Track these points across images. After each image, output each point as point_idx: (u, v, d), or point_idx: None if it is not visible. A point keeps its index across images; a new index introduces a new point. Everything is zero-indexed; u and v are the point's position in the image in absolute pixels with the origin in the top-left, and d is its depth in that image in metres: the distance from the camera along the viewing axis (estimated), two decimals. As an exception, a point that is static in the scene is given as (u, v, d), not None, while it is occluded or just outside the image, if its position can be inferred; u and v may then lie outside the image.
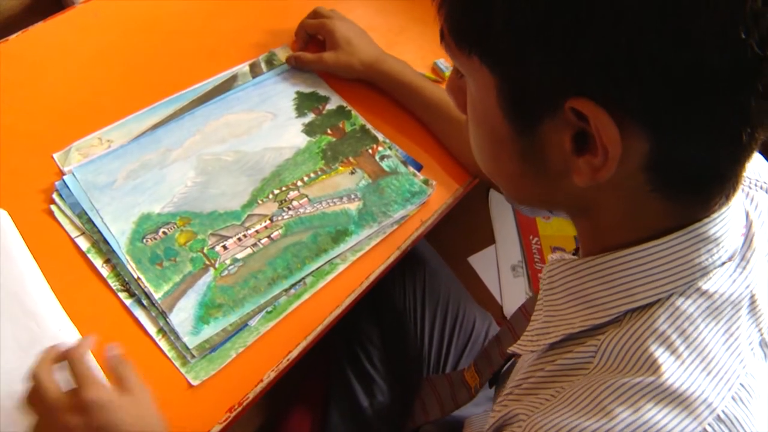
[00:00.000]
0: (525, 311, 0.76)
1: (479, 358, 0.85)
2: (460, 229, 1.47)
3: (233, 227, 0.88)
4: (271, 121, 0.99)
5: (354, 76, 1.04)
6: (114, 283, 0.81)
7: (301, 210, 0.90)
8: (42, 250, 0.83)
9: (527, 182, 0.52)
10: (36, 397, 0.66)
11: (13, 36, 1.02)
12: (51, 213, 0.85)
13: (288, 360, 0.79)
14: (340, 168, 0.96)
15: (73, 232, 0.84)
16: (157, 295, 0.80)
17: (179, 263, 0.84)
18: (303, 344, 0.81)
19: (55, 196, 0.86)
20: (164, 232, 0.86)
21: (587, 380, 0.48)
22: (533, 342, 0.58)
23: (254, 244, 0.87)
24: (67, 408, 0.64)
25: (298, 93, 1.03)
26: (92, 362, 0.72)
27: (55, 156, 0.90)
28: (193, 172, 0.92)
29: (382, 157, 0.97)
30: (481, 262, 1.57)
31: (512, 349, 0.61)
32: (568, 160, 0.46)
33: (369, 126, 1.01)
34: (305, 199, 0.92)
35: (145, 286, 0.81)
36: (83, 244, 0.84)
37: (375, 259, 0.89)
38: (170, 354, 0.78)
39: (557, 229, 1.64)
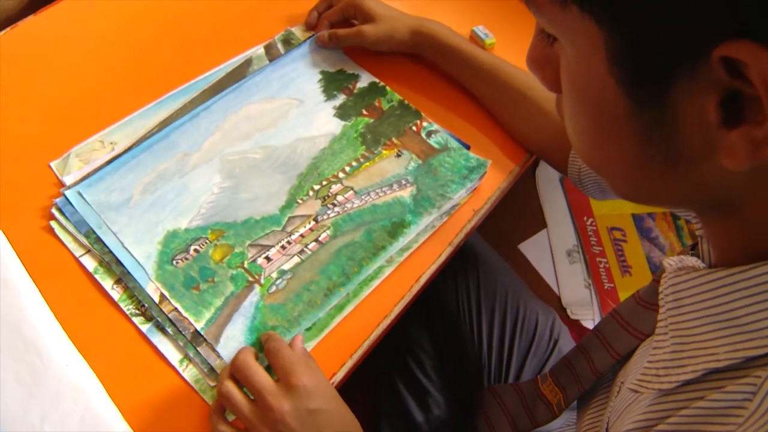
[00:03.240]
0: (620, 319, 0.63)
1: (559, 370, 0.73)
2: (507, 214, 1.34)
3: (274, 234, 0.76)
4: (297, 108, 0.87)
5: (396, 48, 0.92)
6: (127, 307, 0.71)
7: (348, 205, 0.79)
8: (42, 272, 0.72)
9: (649, 173, 0.39)
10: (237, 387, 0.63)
11: (1, 33, 0.91)
12: (51, 230, 0.75)
13: (333, 383, 0.68)
14: (384, 152, 0.84)
15: (77, 251, 0.74)
16: (198, 325, 0.69)
17: (218, 284, 0.72)
18: (349, 364, 0.70)
19: (54, 210, 0.75)
20: (196, 250, 0.75)
21: None
22: (660, 377, 0.45)
23: (301, 251, 0.75)
24: (277, 393, 0.61)
25: (322, 73, 0.91)
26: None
27: (53, 165, 0.80)
28: (219, 176, 0.81)
29: (429, 134, 0.85)
30: (533, 248, 1.45)
31: (632, 387, 0.48)
32: (712, 137, 0.33)
33: (407, 101, 0.88)
34: (351, 192, 0.80)
35: (184, 316, 0.70)
36: (89, 263, 0.73)
37: (424, 259, 0.77)
38: (197, 386, 0.67)
39: (612, 207, 1.51)
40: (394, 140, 0.85)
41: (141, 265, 0.72)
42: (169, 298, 0.71)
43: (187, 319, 0.70)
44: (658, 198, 0.42)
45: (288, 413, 0.59)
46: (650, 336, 0.59)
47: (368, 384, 0.98)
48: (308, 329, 0.70)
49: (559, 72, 0.41)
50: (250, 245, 0.75)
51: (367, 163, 0.82)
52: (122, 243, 0.74)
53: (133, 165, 0.80)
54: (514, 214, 1.45)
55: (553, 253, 1.45)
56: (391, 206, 0.78)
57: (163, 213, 0.77)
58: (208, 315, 0.70)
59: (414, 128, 0.86)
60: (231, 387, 0.62)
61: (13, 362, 0.66)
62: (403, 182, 0.81)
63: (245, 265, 0.74)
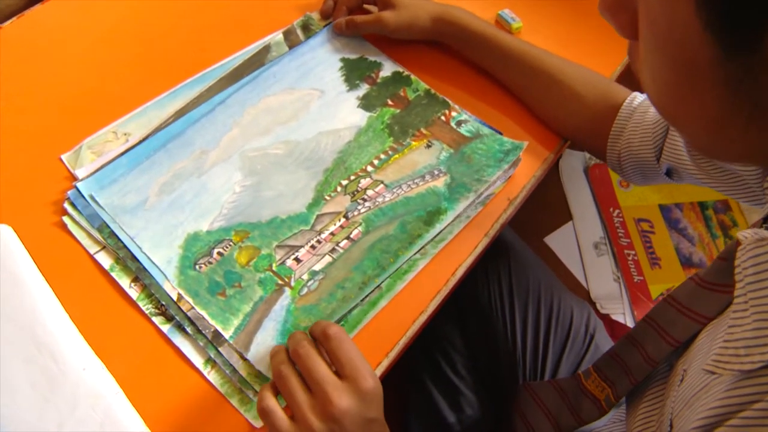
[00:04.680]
0: (677, 304, 0.58)
1: (605, 364, 0.68)
2: (531, 207, 1.31)
3: (303, 234, 0.72)
4: (319, 100, 0.83)
5: (417, 36, 0.87)
6: (146, 306, 0.66)
7: (380, 199, 0.74)
8: (55, 271, 0.68)
9: (733, 125, 0.36)
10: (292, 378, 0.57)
11: (7, 23, 0.87)
12: (63, 226, 0.70)
13: (368, 385, 0.63)
14: (414, 143, 0.79)
15: (92, 248, 0.69)
16: (227, 334, 0.64)
17: (246, 289, 0.68)
18: (385, 363, 0.65)
19: (66, 205, 0.71)
20: (220, 253, 0.70)
21: None
22: (740, 357, 0.41)
23: (332, 250, 0.70)
24: (341, 388, 0.55)
25: (343, 60, 0.87)
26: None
27: (64, 157, 0.75)
28: (240, 174, 0.76)
29: (459, 123, 0.81)
30: (559, 241, 1.41)
31: (708, 368, 0.44)
32: None
33: (434, 90, 0.84)
34: (381, 185, 0.75)
35: (211, 324, 0.65)
36: (105, 260, 0.69)
37: (460, 251, 0.72)
38: (224, 390, 0.62)
39: (639, 198, 1.47)
40: (423, 131, 0.80)
41: (161, 271, 0.68)
42: (194, 305, 0.66)
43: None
44: (738, 153, 0.39)
45: (347, 413, 0.54)
46: (714, 319, 0.56)
47: (396, 384, 0.93)
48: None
49: (635, 16, 0.38)
50: (278, 246, 0.71)
51: (397, 156, 0.78)
52: (140, 248, 0.69)
53: (148, 165, 0.75)
54: (538, 207, 1.41)
55: (579, 245, 1.40)
56: (425, 197, 0.74)
57: (182, 214, 0.72)
58: (236, 322, 0.65)
59: (443, 118, 0.81)
60: (289, 369, 0.57)
61: (26, 367, 0.62)
62: (436, 172, 0.76)
63: (273, 268, 0.69)
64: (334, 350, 0.57)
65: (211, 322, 0.65)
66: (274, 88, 0.83)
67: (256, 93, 0.82)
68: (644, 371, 0.62)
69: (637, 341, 0.64)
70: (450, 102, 0.83)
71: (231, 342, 0.64)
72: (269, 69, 0.84)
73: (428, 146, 0.79)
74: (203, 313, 0.65)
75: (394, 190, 0.75)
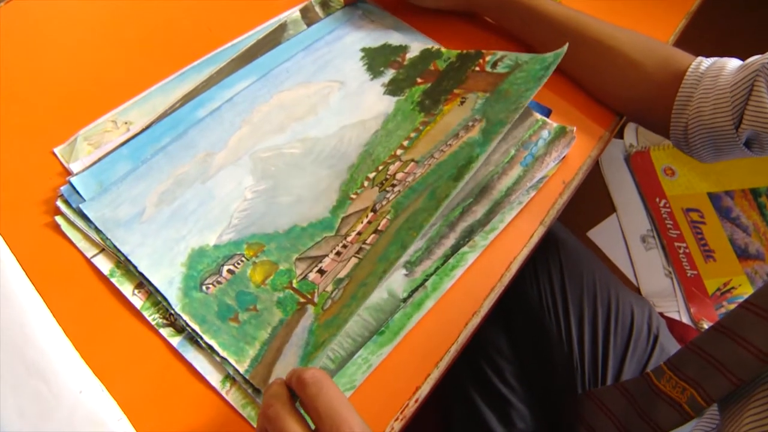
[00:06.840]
0: None
1: (685, 362, 0.59)
2: (571, 200, 1.22)
3: (327, 241, 0.62)
4: (339, 91, 0.73)
5: (448, 4, 0.79)
6: (152, 316, 0.57)
7: (410, 178, 0.64)
8: (47, 279, 0.59)
9: None
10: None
11: (-5, 8, 0.79)
12: (56, 227, 0.62)
13: (417, 400, 0.54)
14: (445, 107, 0.69)
15: (89, 251, 0.60)
16: (242, 367, 0.54)
17: (262, 312, 0.58)
18: (435, 374, 0.56)
19: (59, 203, 0.62)
20: (230, 271, 0.60)
21: None
22: None
23: (359, 250, 0.60)
24: None
25: (364, 50, 0.77)
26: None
27: (57, 150, 0.67)
28: (251, 178, 0.66)
29: (495, 64, 0.70)
30: (603, 235, 1.32)
31: None
32: None
33: (465, 50, 0.74)
34: (411, 164, 0.65)
35: (222, 356, 0.55)
36: (104, 265, 0.60)
37: (513, 242, 0.63)
38: (245, 412, 0.53)
39: (686, 187, 1.37)
40: (455, 91, 0.70)
41: (162, 294, 0.58)
42: (201, 333, 0.56)
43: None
44: None
45: None
46: None
47: (437, 397, 0.84)
48: (380, 333, 0.56)
49: None
50: (298, 259, 0.61)
51: (428, 128, 0.68)
52: (136, 267, 0.59)
53: (144, 171, 0.66)
54: (578, 200, 1.31)
55: (626, 239, 1.32)
56: (458, 154, 0.63)
57: (185, 227, 0.63)
58: (252, 353, 0.55)
59: (477, 68, 0.71)
60: None
61: (14, 393, 0.53)
62: (470, 123, 0.65)
63: (294, 285, 0.59)
64: (311, 399, 0.44)
65: (223, 353, 0.55)
66: (286, 84, 0.74)
67: (266, 90, 0.73)
68: (752, 368, 0.52)
69: (734, 333, 0.54)
70: (483, 51, 0.73)
71: (247, 377, 0.54)
72: (281, 65, 0.75)
73: (462, 102, 0.68)
74: (212, 342, 0.56)
75: (425, 163, 0.64)
